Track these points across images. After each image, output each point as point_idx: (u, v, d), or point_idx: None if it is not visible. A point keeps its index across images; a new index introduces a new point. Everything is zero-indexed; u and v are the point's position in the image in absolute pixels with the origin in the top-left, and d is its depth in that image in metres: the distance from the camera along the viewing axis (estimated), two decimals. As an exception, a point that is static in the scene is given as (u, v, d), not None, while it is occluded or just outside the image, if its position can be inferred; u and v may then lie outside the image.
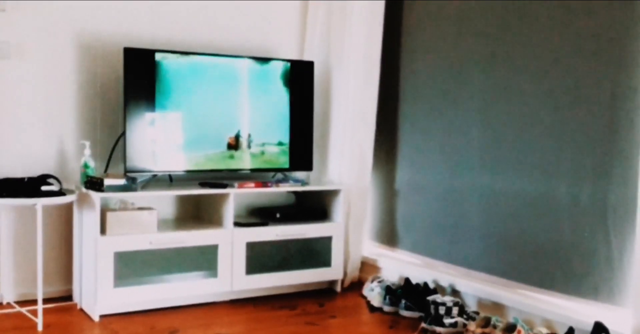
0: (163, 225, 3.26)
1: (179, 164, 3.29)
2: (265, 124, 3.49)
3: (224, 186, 3.27)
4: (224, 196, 3.26)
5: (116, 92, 3.33)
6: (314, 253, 3.44)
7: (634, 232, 2.47)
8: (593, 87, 2.65)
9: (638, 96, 2.47)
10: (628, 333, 2.43)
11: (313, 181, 3.75)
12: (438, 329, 2.82)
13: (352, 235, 3.64)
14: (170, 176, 3.41)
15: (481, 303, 3.06)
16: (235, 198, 3.41)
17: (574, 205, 2.73)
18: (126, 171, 3.15)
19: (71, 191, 3.03)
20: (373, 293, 3.28)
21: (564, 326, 2.60)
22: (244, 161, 3.44)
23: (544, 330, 2.68)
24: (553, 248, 2.81)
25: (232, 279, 3.22)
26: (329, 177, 3.71)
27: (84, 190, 3.05)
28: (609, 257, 2.59)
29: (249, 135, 3.44)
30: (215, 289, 3.19)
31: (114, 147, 3.32)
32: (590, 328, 2.39)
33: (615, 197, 2.58)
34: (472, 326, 2.72)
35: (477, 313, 2.97)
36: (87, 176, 3.11)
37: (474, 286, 3.09)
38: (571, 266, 2.74)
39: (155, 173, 3.26)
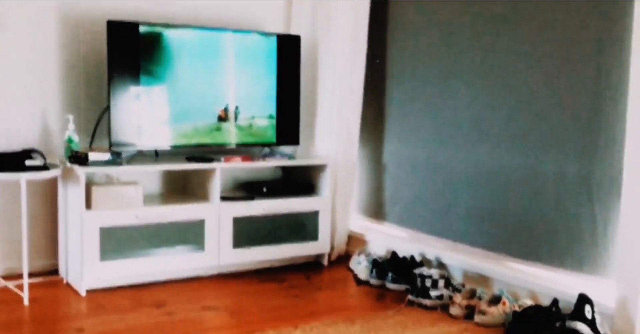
0: (149, 199, 3.24)
1: (164, 139, 3.26)
2: (252, 98, 3.46)
3: (210, 160, 3.25)
4: (210, 171, 3.24)
5: (100, 65, 3.28)
6: (301, 227, 3.45)
7: (618, 205, 2.48)
8: (580, 62, 2.64)
9: (624, 72, 2.46)
10: (612, 304, 2.46)
11: (300, 156, 3.74)
12: (424, 301, 2.84)
13: (339, 209, 3.65)
14: (155, 151, 3.38)
15: (467, 275, 3.07)
16: (222, 172, 3.39)
17: (559, 179, 2.73)
18: (111, 145, 3.12)
19: (55, 166, 2.99)
20: (360, 266, 3.30)
21: (549, 298, 2.62)
22: (231, 135, 3.42)
23: (529, 302, 2.71)
24: (539, 221, 2.83)
25: (219, 253, 3.22)
26: (316, 152, 3.70)
27: (68, 164, 3.02)
28: (593, 230, 2.61)
29: (237, 108, 3.41)
30: (202, 264, 3.19)
31: (98, 121, 3.28)
32: (574, 299, 2.41)
33: (600, 172, 2.58)
34: (457, 298, 2.74)
35: (462, 285, 2.99)
36: (72, 150, 3.07)
37: (460, 259, 3.10)
38: (556, 238, 2.75)
39: (140, 148, 3.22)
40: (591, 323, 2.32)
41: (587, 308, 2.35)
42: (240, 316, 2.70)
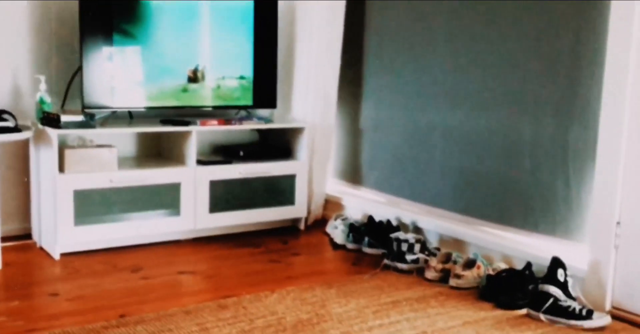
0: (123, 162, 3.20)
1: (138, 100, 3.20)
2: (226, 59, 3.40)
3: (186, 123, 3.21)
4: (186, 134, 3.20)
5: (72, 24, 3.18)
6: (278, 191, 3.44)
7: (593, 170, 2.51)
8: (557, 27, 2.62)
9: (601, 37, 2.45)
10: (584, 267, 2.50)
11: (277, 119, 3.71)
12: (400, 265, 2.86)
13: (316, 173, 3.64)
14: (130, 112, 3.32)
15: (442, 239, 3.10)
16: (198, 135, 3.35)
17: (535, 143, 2.74)
18: (84, 107, 3.05)
19: (27, 128, 2.92)
20: (336, 230, 3.30)
21: (522, 261, 2.66)
22: (206, 98, 3.37)
23: (503, 265, 2.74)
24: (513, 185, 2.84)
25: (196, 217, 3.20)
26: (293, 115, 3.67)
27: (40, 126, 2.95)
28: (567, 195, 2.63)
29: (204, 67, 3.35)
30: (178, 228, 3.18)
31: (70, 82, 3.20)
32: (547, 262, 2.45)
33: (576, 137, 2.59)
34: (433, 262, 2.76)
35: (438, 249, 3.02)
36: (43, 112, 3.00)
37: (436, 223, 3.13)
38: (530, 203, 2.78)
39: (114, 109, 3.16)
40: (563, 286, 2.36)
41: (560, 271, 2.38)
42: (216, 281, 2.70)
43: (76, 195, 2.91)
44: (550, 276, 2.38)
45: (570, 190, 2.62)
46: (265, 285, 2.64)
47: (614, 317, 2.37)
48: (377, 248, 3.13)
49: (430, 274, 2.75)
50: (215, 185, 3.24)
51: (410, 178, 3.36)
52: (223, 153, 3.52)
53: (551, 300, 2.33)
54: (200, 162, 3.24)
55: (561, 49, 2.62)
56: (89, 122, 2.94)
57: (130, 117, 3.33)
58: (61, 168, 2.91)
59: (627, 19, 2.33)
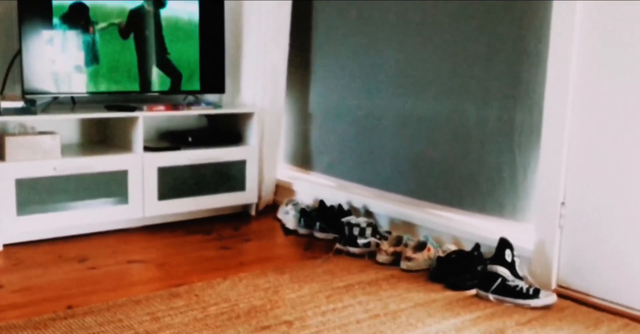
0: (67, 150, 3.12)
1: (81, 86, 3.11)
2: (174, 43, 3.33)
3: (132, 109, 3.14)
4: (132, 120, 3.14)
5: (10, 5, 3.05)
6: (228, 177, 3.41)
7: (538, 152, 2.56)
8: (502, 11, 2.65)
9: (545, 21, 2.49)
10: (530, 247, 2.56)
11: (225, 104, 3.68)
12: (352, 249, 2.87)
13: (266, 159, 3.63)
14: (72, 98, 3.23)
15: (393, 222, 3.13)
16: (145, 121, 3.30)
17: (482, 126, 2.78)
18: (24, 93, 2.95)
19: (-37, 116, 2.80)
20: (288, 215, 3.30)
21: (471, 243, 2.71)
22: (154, 82, 3.29)
23: (452, 247, 2.78)
24: (461, 168, 2.88)
25: (144, 205, 3.16)
26: (241, 100, 3.64)
27: (-23, 113, 2.84)
28: (513, 176, 2.68)
29: (153, 48, 3.28)
30: (126, 216, 3.13)
31: (9, 66, 3.07)
32: (495, 243, 2.49)
33: (521, 118, 2.64)
34: (384, 245, 2.78)
35: (389, 232, 3.05)
36: (-20, 99, 2.88)
37: (387, 207, 3.15)
38: (478, 185, 2.82)
39: (56, 95, 3.06)
40: (511, 266, 2.41)
41: (507, 251, 2.43)
42: (167, 269, 2.67)
43: (18, 184, 2.82)
44: (498, 256, 2.43)
45: (517, 172, 2.68)
46: (217, 272, 2.62)
47: (560, 295, 2.43)
48: (328, 232, 3.14)
49: (381, 257, 2.77)
50: (163, 172, 3.20)
51: (360, 162, 3.37)
52: (171, 139, 3.47)
53: (499, 280, 2.38)
54: (147, 149, 3.19)
55: (505, 33, 2.65)
56: (30, 108, 2.84)
57: (73, 103, 3.24)
58: (2, 157, 2.81)
59: (570, 2, 2.38)
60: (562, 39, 2.41)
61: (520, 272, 2.45)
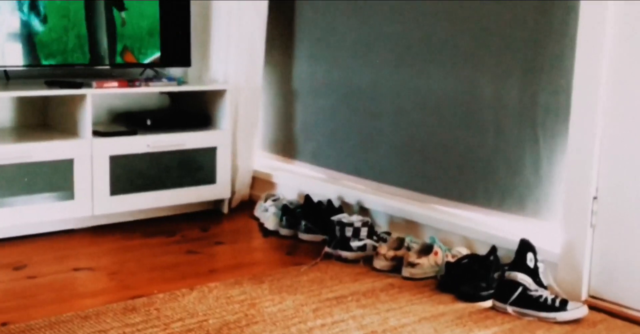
0: (0, 135, 3.11)
1: (17, 57, 3.10)
2: (129, 7, 3.30)
3: (79, 85, 3.13)
4: (78, 99, 3.13)
5: None
6: (195, 167, 3.41)
7: (565, 138, 2.56)
8: (528, -36, 2.66)
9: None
10: (556, 251, 2.57)
11: (192, 80, 3.68)
12: (344, 253, 2.87)
13: (241, 145, 3.63)
14: (5, 72, 3.21)
15: (393, 221, 3.13)
16: (94, 100, 3.28)
17: (499, 107, 2.79)
18: (-54, 66, 2.92)
19: None
20: (267, 213, 3.30)
21: (486, 245, 2.71)
22: (104, 54, 3.28)
23: (464, 250, 2.79)
24: (475, 157, 2.89)
25: (93, 201, 3.15)
26: (211, 75, 3.63)
27: None
28: (536, 166, 2.69)
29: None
30: (72, 214, 3.13)
31: None
32: (514, 246, 2.50)
33: (546, 99, 2.64)
34: (383, 248, 2.78)
35: (388, 233, 3.05)
36: None
37: (385, 203, 3.15)
38: (495, 177, 2.83)
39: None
40: (533, 273, 2.43)
41: (529, 255, 2.44)
42: (121, 278, 2.67)
43: (-60, 176, 2.80)
44: (518, 261, 2.44)
45: (540, 161, 2.68)
46: (182, 282, 2.62)
47: (591, 307, 2.44)
48: (316, 233, 3.14)
49: (379, 263, 2.77)
50: (117, 162, 3.19)
51: (353, 149, 3.37)
52: (126, 122, 3.46)
53: (519, 290, 2.38)
54: (97, 133, 3.18)
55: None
56: (-46, 84, 2.81)
57: (6, 78, 3.22)
58: None
59: (606, -41, 2.38)
60: (594, 6, 2.41)
61: (544, 280, 2.47)
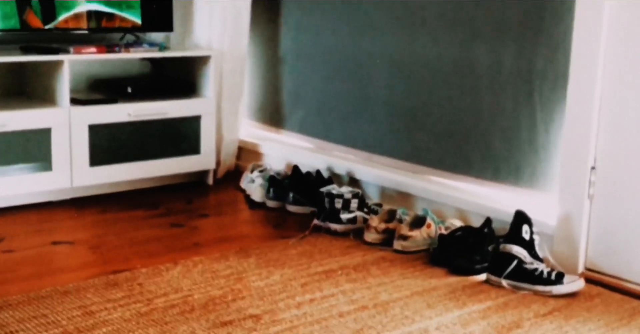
0: (-27, 103, 3.10)
1: (-11, 22, 3.06)
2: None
3: (56, 51, 3.12)
4: (55, 65, 3.11)
5: None
6: (179, 137, 3.40)
7: (563, 106, 2.56)
8: None
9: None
10: (552, 222, 2.58)
11: (174, 46, 3.66)
12: (334, 226, 2.88)
13: (226, 114, 3.62)
14: (-22, 38, 3.17)
15: (385, 193, 3.14)
16: (72, 67, 3.26)
17: (494, 74, 2.78)
18: None
19: None
20: (253, 185, 3.30)
21: (481, 217, 2.72)
22: (81, 17, 3.25)
23: (457, 222, 2.80)
24: (469, 125, 2.89)
25: (72, 172, 3.14)
26: (194, 40, 3.61)
27: None
28: (532, 135, 2.69)
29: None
30: (50, 186, 3.12)
31: None
32: (510, 218, 2.50)
33: (544, 62, 2.63)
34: (374, 221, 2.79)
35: (379, 205, 3.05)
36: None
37: (376, 174, 3.16)
38: (490, 146, 2.83)
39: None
40: (529, 246, 2.43)
41: (525, 227, 2.44)
42: (102, 252, 2.67)
43: None
44: (514, 234, 2.44)
45: (537, 130, 2.68)
46: (166, 256, 2.62)
47: (588, 280, 2.45)
48: (304, 205, 3.14)
49: (370, 236, 2.78)
50: (96, 131, 3.18)
51: (343, 118, 3.36)
52: (106, 89, 3.45)
53: (514, 263, 2.39)
54: (75, 101, 3.16)
55: (528, -44, 2.63)
56: None
57: (-20, 44, 3.19)
58: None
59: None
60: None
61: (540, 252, 2.47)
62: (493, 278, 2.43)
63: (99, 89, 3.48)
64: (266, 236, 2.88)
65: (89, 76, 3.52)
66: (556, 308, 2.27)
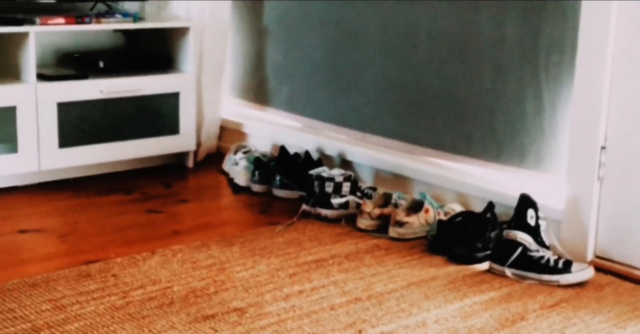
0: None
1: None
2: None
3: (20, 22, 3.09)
4: (20, 38, 3.10)
5: None
6: (155, 116, 3.40)
7: (571, 81, 2.55)
8: None
9: None
10: (559, 206, 2.59)
11: (150, 17, 3.63)
12: (324, 211, 2.88)
13: (207, 91, 3.61)
14: None
15: (379, 176, 3.14)
16: (38, 39, 3.24)
17: (498, 47, 2.77)
18: None
19: None
20: (237, 167, 3.30)
21: (483, 202, 2.72)
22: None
23: (458, 207, 2.81)
24: (470, 102, 2.89)
25: (40, 155, 3.14)
26: (171, 10, 3.60)
27: None
28: (538, 113, 2.69)
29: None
30: (15, 170, 3.12)
31: None
32: (514, 202, 2.51)
33: (550, 34, 2.63)
34: (368, 206, 2.79)
35: (373, 188, 3.06)
36: None
37: (370, 155, 3.16)
38: (492, 125, 2.83)
39: None
40: (534, 232, 2.44)
41: (530, 212, 2.45)
42: (73, 241, 2.67)
43: None
44: (518, 219, 2.45)
45: (543, 106, 2.68)
46: (143, 244, 2.63)
47: (598, 269, 2.46)
48: (292, 189, 3.14)
49: (363, 222, 2.78)
50: (66, 109, 3.17)
51: (334, 94, 3.36)
52: (75, 64, 3.44)
53: (519, 250, 2.40)
54: (43, 77, 3.15)
55: None
56: None
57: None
58: None
59: None
60: None
61: (546, 239, 2.48)
62: (496, 266, 2.44)
63: (68, 64, 3.47)
64: (251, 223, 2.88)
65: (57, 49, 3.50)
66: (564, 299, 2.28)
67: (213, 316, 2.11)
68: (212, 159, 3.64)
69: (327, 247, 2.62)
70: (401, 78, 3.09)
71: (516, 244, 2.41)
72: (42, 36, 3.35)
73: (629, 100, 2.43)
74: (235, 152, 3.42)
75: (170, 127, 3.44)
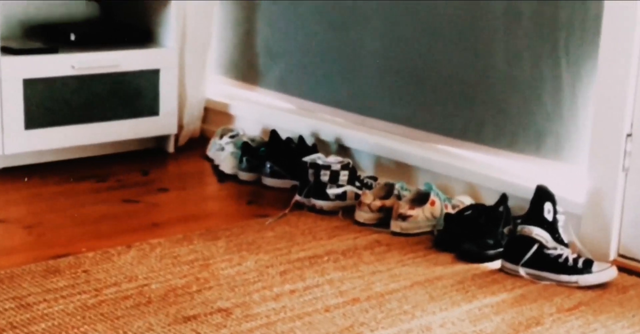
0: None
1: None
2: None
3: None
4: (-18, 7, 3.09)
5: None
6: (133, 95, 3.41)
7: (594, 61, 2.55)
8: None
9: None
10: (580, 199, 2.59)
11: (127, -15, 3.62)
12: (319, 203, 2.88)
13: (191, 68, 3.62)
14: None
15: (380, 164, 3.15)
16: (2, 9, 3.25)
17: (511, 22, 2.77)
18: None
19: None
20: (223, 153, 3.31)
21: (495, 193, 2.73)
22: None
23: (467, 199, 2.81)
24: (481, 84, 2.89)
25: (3, 137, 3.14)
26: (152, -22, 3.57)
27: None
28: (557, 97, 2.69)
29: None
30: (-23, 153, 3.11)
31: None
32: (529, 194, 2.51)
33: (569, 11, 2.62)
34: (367, 197, 2.79)
35: (374, 178, 3.06)
36: None
37: (371, 141, 3.16)
38: (505, 109, 2.84)
39: None
40: (552, 227, 2.44)
41: (547, 206, 2.45)
42: (40, 233, 2.67)
43: None
44: (534, 213, 2.45)
45: (562, 91, 2.68)
46: (118, 238, 2.63)
47: (621, 269, 2.46)
48: (284, 178, 3.15)
49: (363, 215, 2.78)
50: (33, 87, 3.18)
51: (331, 74, 3.36)
52: (44, 37, 3.43)
53: (535, 248, 2.40)
54: (7, 51, 3.16)
55: None
56: None
57: None
58: None
59: None
60: None
61: (564, 235, 2.49)
62: (508, 265, 2.44)
63: (36, 36, 3.46)
64: (238, 215, 2.88)
65: (24, 20, 3.49)
66: (583, 302, 2.28)
67: (195, 317, 2.11)
68: (195, 144, 3.65)
69: (322, 242, 2.62)
70: (405, 56, 3.09)
71: (531, 241, 2.41)
72: (6, 5, 3.33)
73: (659, 83, 2.43)
74: (221, 136, 3.42)
75: (149, 107, 3.44)
